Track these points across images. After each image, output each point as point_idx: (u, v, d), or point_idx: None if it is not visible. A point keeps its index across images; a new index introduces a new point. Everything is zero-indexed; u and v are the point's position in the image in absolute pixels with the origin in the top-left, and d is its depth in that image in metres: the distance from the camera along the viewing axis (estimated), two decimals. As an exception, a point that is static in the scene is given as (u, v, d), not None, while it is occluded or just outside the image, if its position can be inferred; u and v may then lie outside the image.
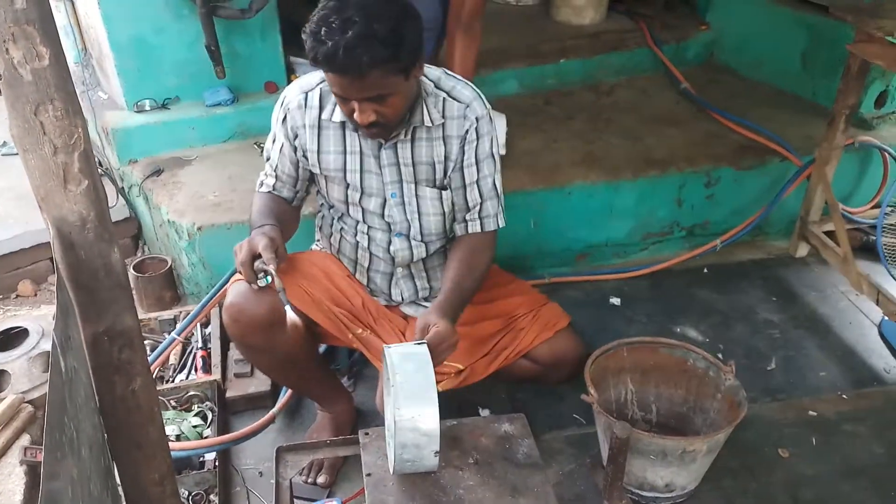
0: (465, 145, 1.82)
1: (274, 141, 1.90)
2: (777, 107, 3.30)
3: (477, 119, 1.81)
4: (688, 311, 2.71)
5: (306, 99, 1.82)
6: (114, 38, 2.78)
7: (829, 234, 2.78)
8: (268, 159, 1.93)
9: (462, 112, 1.80)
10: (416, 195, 1.86)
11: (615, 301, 2.77)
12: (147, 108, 2.93)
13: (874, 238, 2.95)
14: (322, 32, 1.53)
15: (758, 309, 2.72)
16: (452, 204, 1.88)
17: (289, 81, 3.13)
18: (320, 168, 1.86)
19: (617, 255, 3.00)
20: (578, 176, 2.81)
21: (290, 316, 1.84)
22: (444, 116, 1.80)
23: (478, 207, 1.88)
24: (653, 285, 2.85)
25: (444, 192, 1.86)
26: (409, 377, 1.42)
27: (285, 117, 1.85)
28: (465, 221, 1.90)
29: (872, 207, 3.02)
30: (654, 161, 2.89)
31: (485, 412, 2.24)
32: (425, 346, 1.51)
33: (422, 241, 1.91)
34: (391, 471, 1.49)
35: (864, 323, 2.66)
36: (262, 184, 1.95)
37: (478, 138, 1.82)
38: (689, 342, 2.16)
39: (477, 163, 1.85)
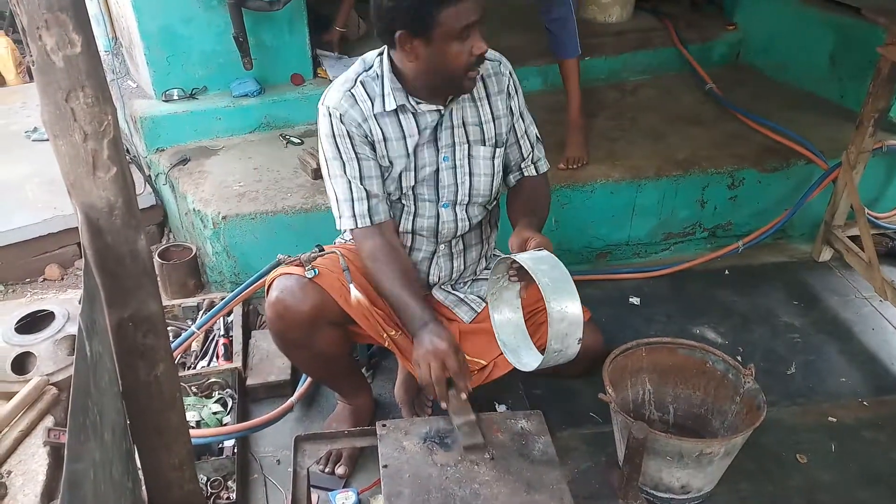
0: (510, 101, 1.90)
1: (338, 159, 1.79)
2: (803, 109, 3.27)
3: (510, 73, 1.90)
4: (708, 313, 2.69)
5: (354, 97, 1.80)
6: (144, 27, 2.81)
7: (854, 238, 2.75)
8: (349, 182, 1.80)
9: (497, 68, 1.88)
10: (469, 155, 1.89)
11: (635, 300, 2.76)
12: (175, 97, 2.97)
13: (900, 244, 2.93)
14: None
15: (779, 312, 2.70)
16: (504, 161, 1.95)
17: (315, 74, 3.15)
18: (387, 155, 1.84)
19: (638, 255, 2.99)
20: (601, 174, 2.80)
21: (354, 295, 1.81)
22: (482, 75, 1.84)
23: (531, 154, 1.97)
24: (673, 286, 2.84)
25: (497, 150, 1.91)
26: (549, 274, 1.51)
27: (344, 128, 1.78)
28: (521, 169, 1.98)
29: (899, 213, 2.98)
30: (677, 161, 2.88)
31: (501, 408, 2.24)
32: (545, 250, 1.61)
33: (467, 207, 1.93)
34: (532, 367, 1.58)
35: (887, 329, 2.63)
36: (352, 217, 1.81)
37: (517, 91, 1.91)
38: (709, 344, 2.14)
39: (521, 115, 1.94)
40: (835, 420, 2.23)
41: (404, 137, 1.83)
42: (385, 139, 1.82)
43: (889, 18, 2.42)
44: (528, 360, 1.66)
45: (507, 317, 1.75)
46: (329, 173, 1.83)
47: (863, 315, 2.70)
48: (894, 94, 2.65)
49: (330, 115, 1.78)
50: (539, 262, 1.55)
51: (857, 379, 2.41)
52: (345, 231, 2.08)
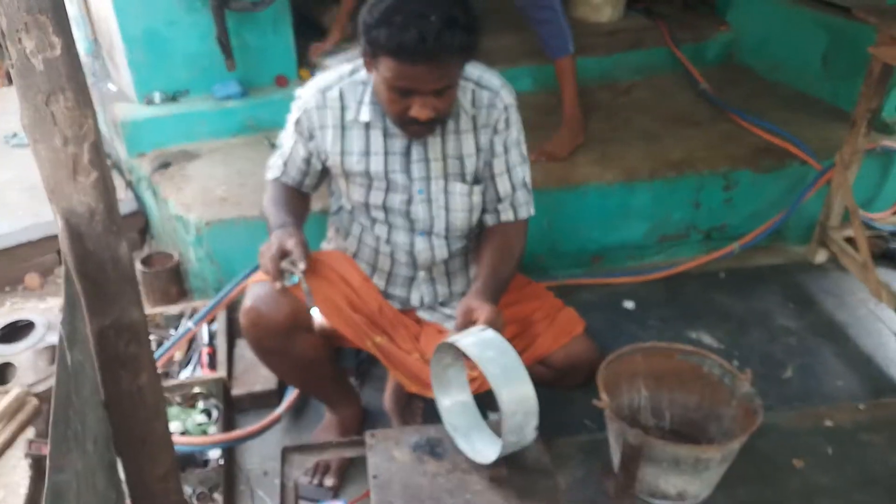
0: (495, 136, 1.80)
1: (288, 137, 1.87)
2: (796, 109, 3.26)
3: (506, 108, 1.79)
4: (703, 317, 2.67)
5: (325, 98, 1.77)
6: (125, 29, 2.77)
7: (849, 240, 2.74)
8: (280, 147, 1.90)
9: (492, 100, 1.78)
10: (446, 191, 1.81)
11: (629, 305, 2.73)
12: (157, 100, 2.92)
13: (895, 245, 2.92)
14: (398, 20, 1.47)
15: (775, 315, 2.69)
16: (482, 197, 1.85)
17: (299, 76, 3.11)
18: (343, 169, 1.81)
19: (632, 258, 2.96)
20: (594, 176, 2.77)
21: (316, 319, 1.78)
22: (474, 106, 1.77)
23: (509, 197, 1.86)
24: (668, 289, 2.82)
25: (474, 188, 1.82)
26: (497, 363, 1.40)
27: (300, 119, 1.81)
28: (497, 211, 1.87)
29: (894, 214, 2.98)
30: (671, 162, 2.86)
31: (494, 416, 2.20)
32: (490, 329, 1.49)
33: (445, 238, 1.87)
34: (489, 460, 1.47)
35: (882, 332, 2.62)
36: (270, 167, 1.93)
37: (507, 127, 1.80)
38: (704, 348, 2.12)
39: (506, 152, 1.82)
40: (832, 424, 2.21)
41: (367, 154, 1.77)
42: (343, 152, 1.78)
43: (880, 18, 2.42)
44: (483, 447, 1.52)
45: (456, 399, 1.62)
46: (282, 134, 1.91)
47: (858, 317, 2.69)
48: (886, 95, 2.65)
49: (298, 102, 1.82)
50: (485, 347, 1.43)
51: (853, 382, 2.40)
52: (330, 239, 2.04)
